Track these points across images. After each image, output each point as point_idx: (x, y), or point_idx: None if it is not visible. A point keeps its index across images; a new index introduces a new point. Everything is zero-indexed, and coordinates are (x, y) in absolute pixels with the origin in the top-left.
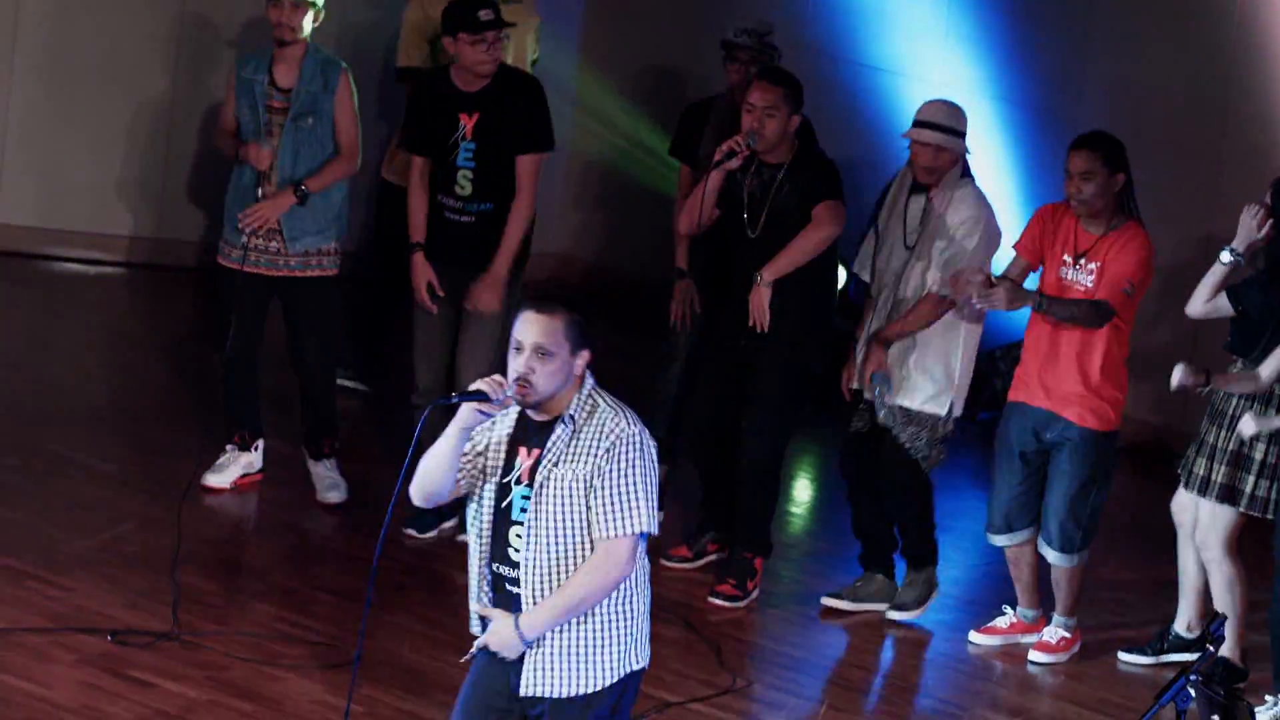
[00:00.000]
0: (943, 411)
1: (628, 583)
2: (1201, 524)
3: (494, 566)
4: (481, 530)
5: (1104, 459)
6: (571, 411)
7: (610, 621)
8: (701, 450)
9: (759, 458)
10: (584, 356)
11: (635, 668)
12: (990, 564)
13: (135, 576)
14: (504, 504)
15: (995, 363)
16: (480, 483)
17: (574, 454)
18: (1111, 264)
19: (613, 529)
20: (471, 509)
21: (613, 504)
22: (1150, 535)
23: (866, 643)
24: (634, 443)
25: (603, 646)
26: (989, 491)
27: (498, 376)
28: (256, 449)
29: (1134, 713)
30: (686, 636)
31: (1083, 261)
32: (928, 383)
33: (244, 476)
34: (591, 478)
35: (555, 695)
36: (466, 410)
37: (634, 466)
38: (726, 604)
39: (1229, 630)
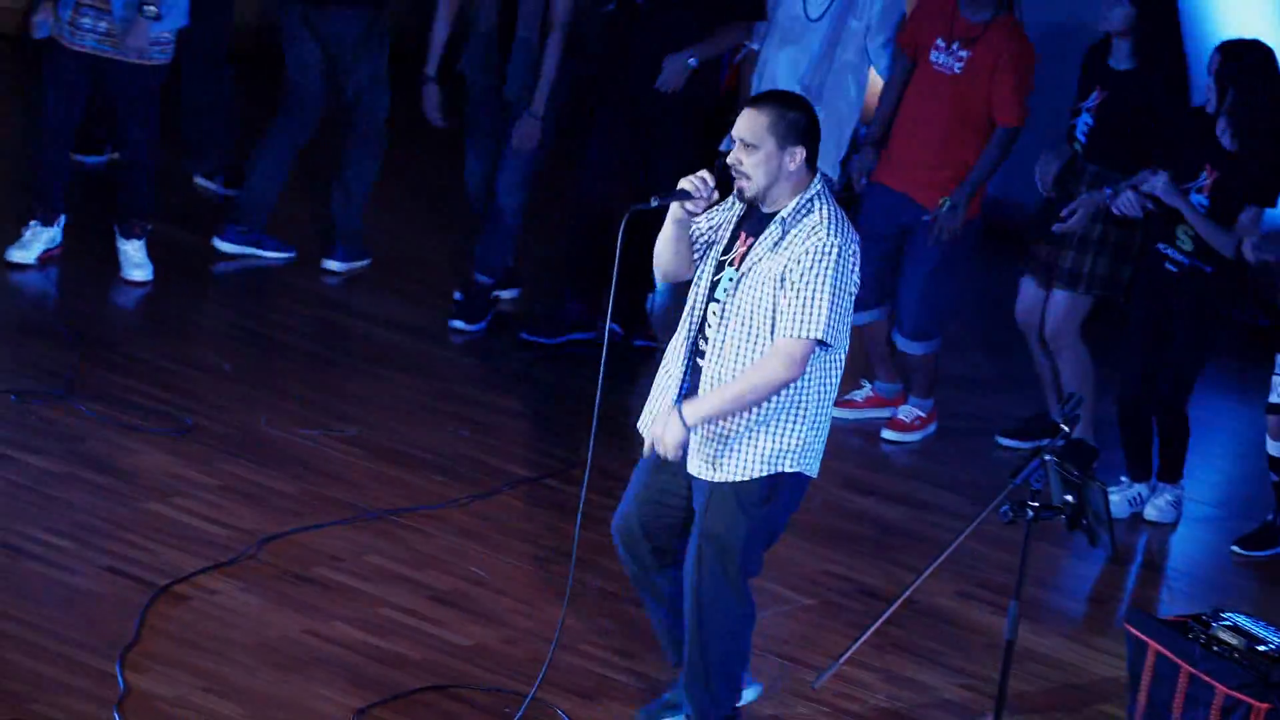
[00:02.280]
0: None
1: (797, 386)
2: (1056, 315)
3: (697, 341)
4: (695, 304)
5: (958, 245)
6: (786, 213)
7: (769, 416)
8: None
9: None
10: (797, 153)
11: (789, 469)
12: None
13: None
14: (716, 279)
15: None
16: (708, 257)
17: (777, 251)
18: (1001, 74)
19: (787, 329)
20: (694, 279)
21: (792, 305)
22: (1011, 323)
23: None
24: (828, 252)
25: (753, 438)
26: None
27: (703, 173)
28: (58, 224)
29: (991, 491)
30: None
31: (955, 47)
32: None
33: (47, 251)
34: (783, 276)
35: (705, 478)
36: (675, 206)
37: (825, 274)
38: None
39: (1084, 411)
